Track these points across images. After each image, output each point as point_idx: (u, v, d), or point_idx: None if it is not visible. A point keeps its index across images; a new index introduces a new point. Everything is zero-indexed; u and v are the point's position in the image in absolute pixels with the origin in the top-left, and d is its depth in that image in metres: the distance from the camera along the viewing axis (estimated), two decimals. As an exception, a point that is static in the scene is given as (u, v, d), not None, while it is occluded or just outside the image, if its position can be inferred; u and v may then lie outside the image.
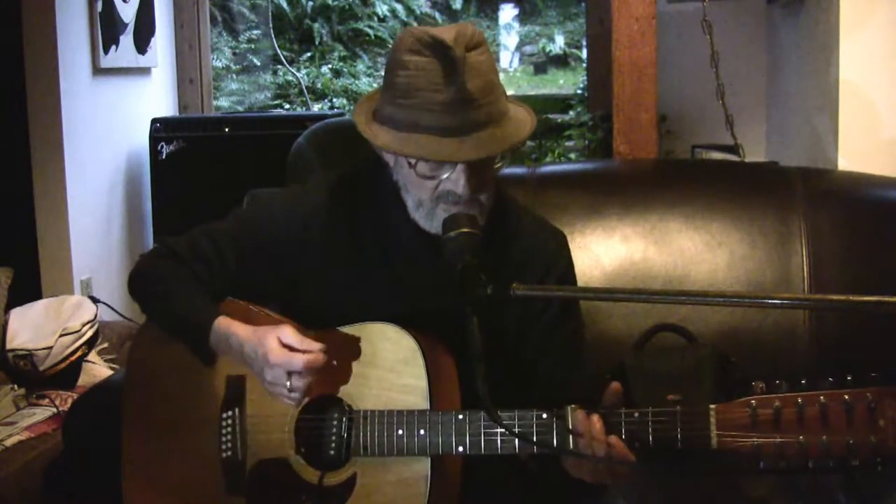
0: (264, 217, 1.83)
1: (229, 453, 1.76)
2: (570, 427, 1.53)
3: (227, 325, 1.71)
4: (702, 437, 1.48)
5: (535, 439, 1.56)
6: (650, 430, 1.51)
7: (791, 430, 1.43)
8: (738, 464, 1.52)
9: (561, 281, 1.80)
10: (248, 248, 1.80)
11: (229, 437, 1.77)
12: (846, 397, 1.42)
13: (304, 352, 1.62)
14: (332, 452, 1.69)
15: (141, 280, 1.84)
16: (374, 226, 1.76)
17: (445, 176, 1.62)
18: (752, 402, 1.46)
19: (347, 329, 1.72)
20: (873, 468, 1.41)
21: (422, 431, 1.62)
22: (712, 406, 1.49)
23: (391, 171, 1.72)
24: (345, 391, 1.70)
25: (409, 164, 1.63)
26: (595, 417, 1.51)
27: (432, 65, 1.57)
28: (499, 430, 1.57)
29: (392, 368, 1.67)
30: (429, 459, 1.63)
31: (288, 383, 1.62)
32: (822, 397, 1.43)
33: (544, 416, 1.56)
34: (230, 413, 1.77)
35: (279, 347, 1.63)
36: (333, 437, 1.69)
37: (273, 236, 1.79)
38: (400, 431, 1.63)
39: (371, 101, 1.70)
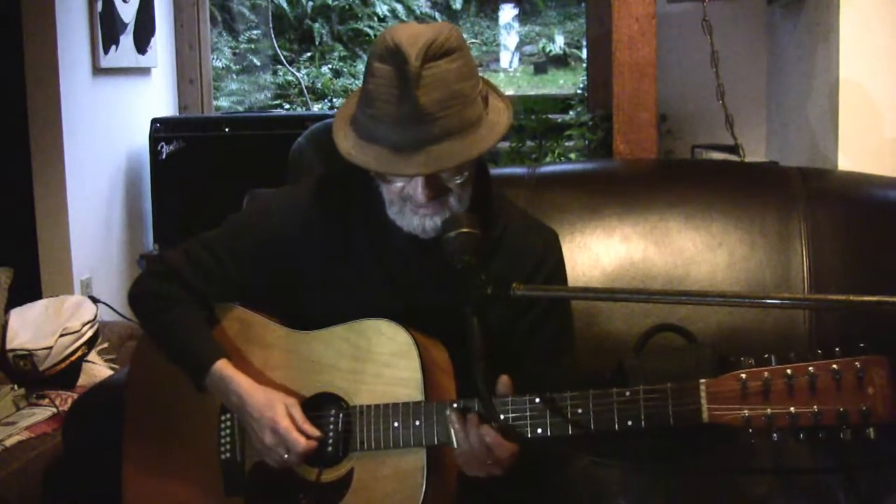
0: (260, 218, 1.84)
1: (228, 454, 1.77)
2: (454, 424, 1.59)
3: (231, 374, 1.74)
4: (693, 412, 1.50)
5: (528, 427, 1.57)
6: (642, 407, 1.52)
7: (781, 401, 1.45)
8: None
9: (549, 279, 1.80)
10: (244, 250, 1.80)
11: (228, 438, 1.78)
12: (834, 367, 1.44)
13: (305, 435, 1.68)
14: (329, 449, 1.70)
15: (141, 305, 1.85)
16: (366, 223, 1.77)
17: (402, 184, 1.64)
18: (742, 375, 1.47)
19: (342, 326, 1.72)
20: (864, 435, 1.43)
21: (417, 423, 1.63)
22: (702, 381, 1.50)
23: None
24: (341, 388, 1.71)
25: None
26: (470, 414, 1.57)
27: (391, 75, 1.56)
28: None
29: (387, 363, 1.68)
30: (425, 451, 1.63)
31: (285, 456, 1.68)
32: (811, 368, 1.45)
33: (537, 400, 1.57)
34: (229, 415, 1.78)
35: (288, 417, 1.68)
36: (330, 434, 1.70)
37: (269, 236, 1.79)
38: (395, 424, 1.64)
39: (354, 99, 1.69)
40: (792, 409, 1.44)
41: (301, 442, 1.67)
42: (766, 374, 1.46)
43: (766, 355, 1.48)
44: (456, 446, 1.60)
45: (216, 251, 1.81)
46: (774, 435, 1.46)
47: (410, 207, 1.65)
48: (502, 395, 1.58)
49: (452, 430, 1.59)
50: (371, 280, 1.76)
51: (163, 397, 1.85)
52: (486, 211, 1.75)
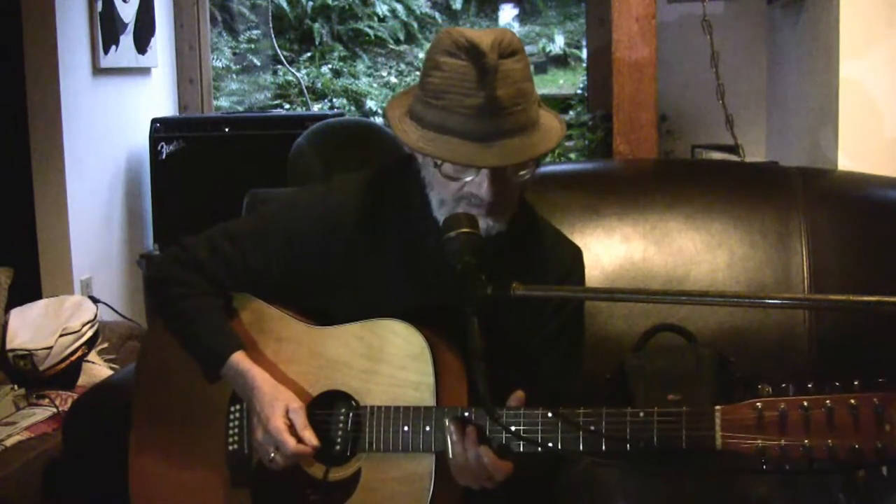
0: (288, 213, 1.84)
1: (236, 446, 1.77)
2: (451, 434, 1.59)
3: (247, 366, 1.73)
4: (706, 438, 1.48)
5: (539, 438, 1.56)
6: (655, 430, 1.51)
7: (796, 433, 1.43)
8: (740, 464, 1.51)
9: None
10: (269, 244, 1.80)
11: (236, 430, 1.78)
12: (852, 401, 1.41)
13: (298, 439, 1.67)
14: (337, 448, 1.70)
15: (160, 290, 1.84)
16: (399, 224, 1.77)
17: (469, 179, 1.64)
18: (758, 404, 1.46)
19: (357, 325, 1.72)
20: (877, 472, 1.41)
21: (427, 428, 1.62)
22: (718, 407, 1.49)
23: (420, 168, 1.73)
24: (352, 387, 1.70)
25: (435, 163, 1.64)
26: (470, 428, 1.57)
27: (466, 69, 1.58)
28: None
29: (400, 364, 1.67)
30: (433, 456, 1.63)
31: (272, 454, 1.68)
32: (828, 401, 1.42)
33: (549, 415, 1.56)
34: (238, 406, 1.78)
35: (283, 419, 1.68)
36: (339, 433, 1.70)
37: (296, 233, 1.79)
38: (406, 427, 1.63)
39: (406, 98, 1.71)
40: (806, 441, 1.42)
41: (290, 444, 1.66)
42: (782, 404, 1.44)
43: (784, 384, 1.46)
44: (451, 457, 1.59)
45: (240, 243, 1.81)
46: (788, 465, 1.44)
47: (465, 207, 1.65)
48: (514, 408, 1.58)
49: (449, 441, 1.59)
50: (395, 281, 1.76)
51: (172, 388, 1.85)
52: (525, 221, 1.77)
